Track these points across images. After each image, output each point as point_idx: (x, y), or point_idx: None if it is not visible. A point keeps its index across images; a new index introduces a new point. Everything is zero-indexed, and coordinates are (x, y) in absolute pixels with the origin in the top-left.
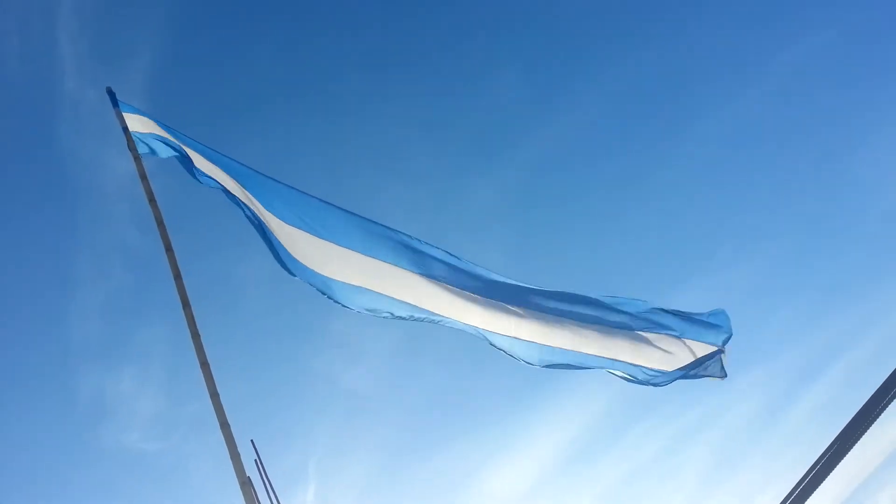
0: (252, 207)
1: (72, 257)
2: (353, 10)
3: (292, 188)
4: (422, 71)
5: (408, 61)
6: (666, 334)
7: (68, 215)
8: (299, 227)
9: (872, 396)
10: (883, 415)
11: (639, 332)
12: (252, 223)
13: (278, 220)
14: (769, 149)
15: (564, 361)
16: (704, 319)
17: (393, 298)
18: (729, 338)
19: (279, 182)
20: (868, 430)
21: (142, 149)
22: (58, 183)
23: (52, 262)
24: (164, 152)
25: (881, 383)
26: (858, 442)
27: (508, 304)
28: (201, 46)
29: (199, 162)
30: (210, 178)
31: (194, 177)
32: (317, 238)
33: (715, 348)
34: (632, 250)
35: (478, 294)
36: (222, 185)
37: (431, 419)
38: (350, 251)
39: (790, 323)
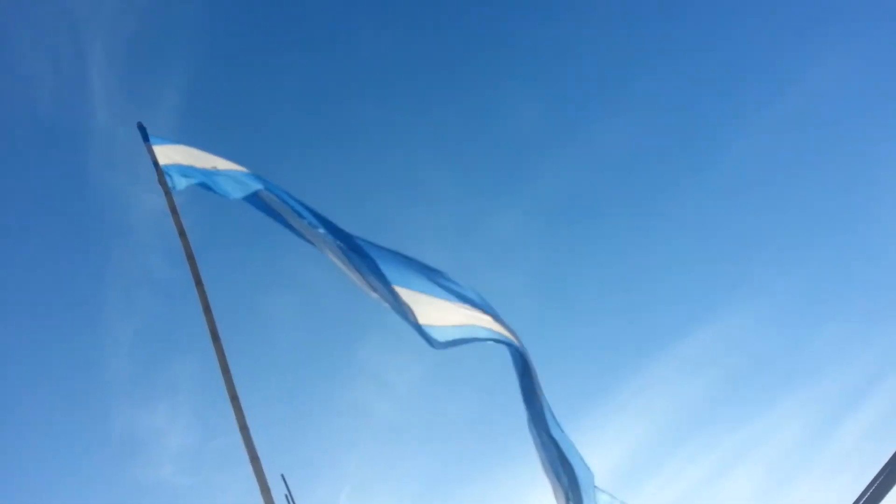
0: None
1: (103, 291)
2: (380, 44)
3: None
4: (445, 99)
5: (431, 90)
6: None
7: (100, 250)
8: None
9: None
10: None
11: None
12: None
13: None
14: (803, 168)
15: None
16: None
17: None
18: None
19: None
20: None
21: (174, 182)
22: (89, 218)
23: (84, 296)
24: (195, 177)
25: None
26: None
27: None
28: (230, 81)
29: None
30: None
31: (226, 196)
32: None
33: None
34: (661, 276)
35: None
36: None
37: (466, 448)
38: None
39: (835, 343)
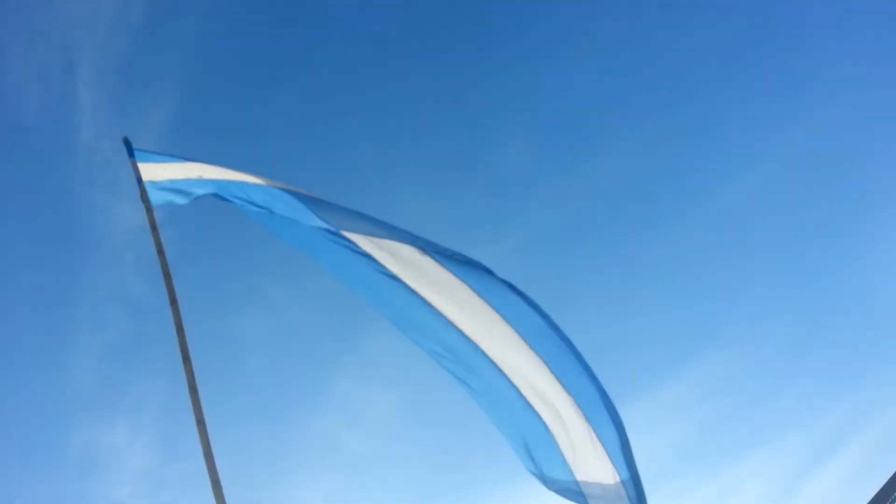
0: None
1: (74, 305)
2: (374, 70)
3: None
4: (433, 130)
5: (420, 120)
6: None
7: (74, 263)
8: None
9: (882, 489)
10: None
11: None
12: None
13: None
14: (776, 226)
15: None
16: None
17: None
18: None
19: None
20: None
21: (155, 199)
22: (66, 231)
23: (53, 308)
24: (181, 199)
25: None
26: None
27: None
28: (220, 100)
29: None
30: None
31: (223, 198)
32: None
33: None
34: (633, 328)
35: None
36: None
37: (434, 484)
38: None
39: (805, 398)
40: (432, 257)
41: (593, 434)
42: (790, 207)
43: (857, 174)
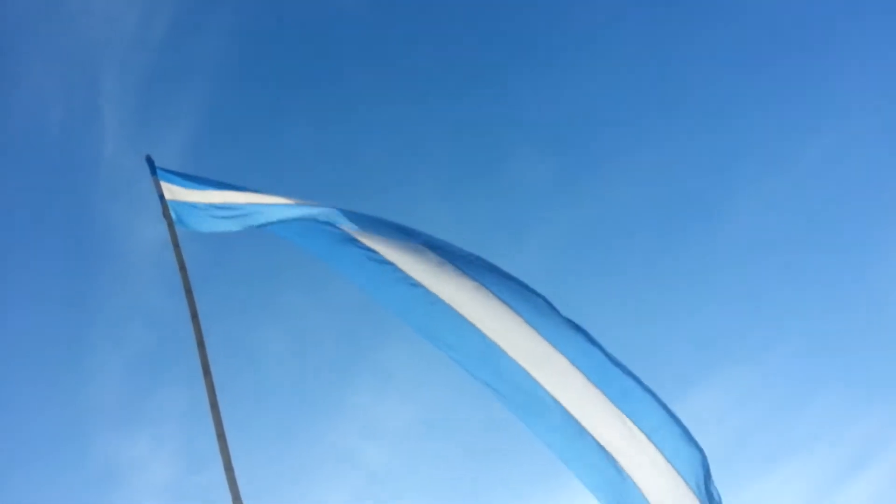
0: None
1: (96, 319)
2: (385, 83)
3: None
4: (446, 148)
5: (439, 133)
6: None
7: (97, 278)
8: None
9: None
10: None
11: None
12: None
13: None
14: (807, 231)
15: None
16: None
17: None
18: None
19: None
20: None
21: (178, 217)
22: (89, 246)
23: (76, 322)
24: (199, 225)
25: None
26: None
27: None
28: (243, 119)
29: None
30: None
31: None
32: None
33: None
34: (658, 338)
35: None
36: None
37: (451, 499)
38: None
39: (829, 414)
40: (456, 265)
41: (662, 458)
42: (823, 209)
43: (886, 179)
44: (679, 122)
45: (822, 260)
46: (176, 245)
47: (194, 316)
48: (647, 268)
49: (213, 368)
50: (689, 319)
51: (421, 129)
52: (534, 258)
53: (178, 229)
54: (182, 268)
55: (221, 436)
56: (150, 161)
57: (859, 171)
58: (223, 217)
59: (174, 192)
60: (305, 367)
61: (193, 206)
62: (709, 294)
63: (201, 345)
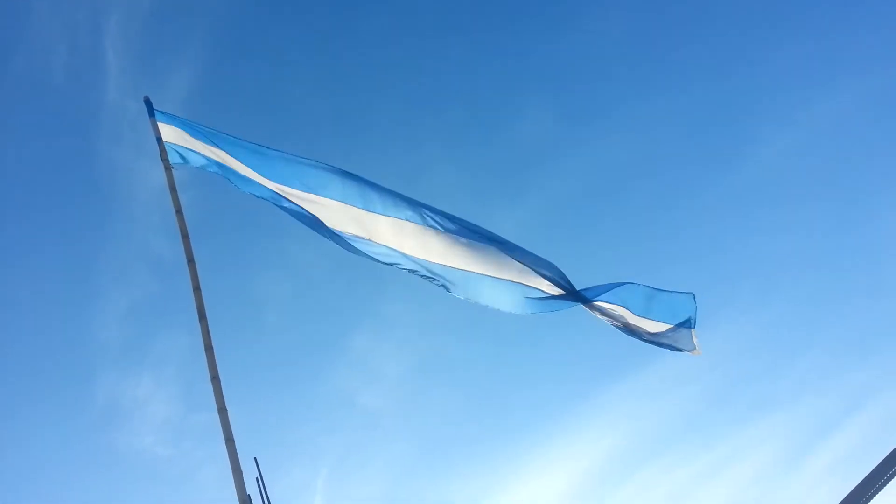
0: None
1: (100, 262)
2: (388, 45)
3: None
4: (449, 98)
5: (443, 91)
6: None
7: (100, 221)
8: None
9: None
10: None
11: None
12: (296, 217)
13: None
14: (797, 195)
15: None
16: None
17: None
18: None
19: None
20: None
21: (175, 159)
22: (92, 189)
23: (80, 265)
24: (197, 162)
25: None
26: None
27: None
28: (245, 65)
29: (240, 168)
30: (252, 183)
31: (232, 183)
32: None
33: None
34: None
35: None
36: (261, 190)
37: (445, 441)
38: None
39: (812, 372)
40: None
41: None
42: (813, 175)
43: (884, 148)
44: (685, 74)
45: (819, 218)
46: (172, 188)
47: (190, 260)
48: (642, 223)
49: (214, 313)
50: (682, 273)
51: (425, 79)
52: (537, 211)
53: (183, 169)
54: (178, 211)
55: (216, 378)
56: (147, 102)
57: (872, 132)
58: (224, 176)
59: (175, 136)
60: (306, 312)
61: (197, 154)
62: (699, 249)
63: (197, 290)
